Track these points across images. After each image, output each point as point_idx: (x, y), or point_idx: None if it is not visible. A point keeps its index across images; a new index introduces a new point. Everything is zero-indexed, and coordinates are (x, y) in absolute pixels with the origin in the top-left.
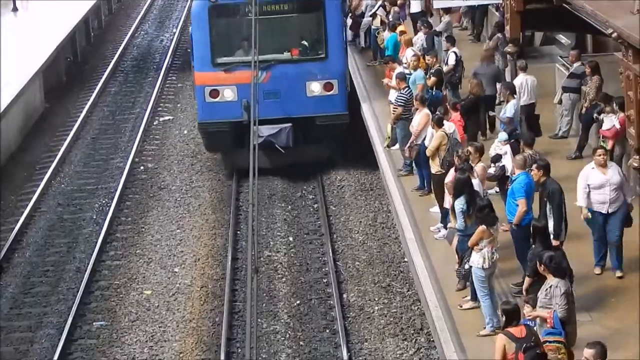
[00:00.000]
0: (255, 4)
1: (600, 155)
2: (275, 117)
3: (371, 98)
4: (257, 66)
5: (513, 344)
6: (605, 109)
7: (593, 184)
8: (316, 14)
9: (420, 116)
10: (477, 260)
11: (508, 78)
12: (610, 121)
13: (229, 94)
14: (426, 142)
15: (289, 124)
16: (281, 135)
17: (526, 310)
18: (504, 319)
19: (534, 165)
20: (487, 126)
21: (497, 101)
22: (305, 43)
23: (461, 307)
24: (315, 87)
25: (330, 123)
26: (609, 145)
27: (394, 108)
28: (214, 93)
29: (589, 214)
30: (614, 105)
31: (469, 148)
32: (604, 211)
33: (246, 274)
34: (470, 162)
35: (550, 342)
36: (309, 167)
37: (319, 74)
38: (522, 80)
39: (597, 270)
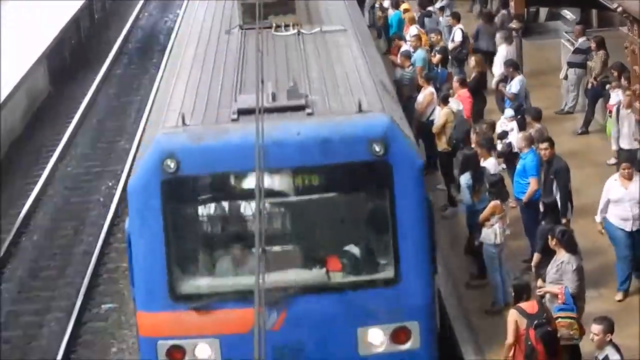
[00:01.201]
0: (259, 171)
1: (625, 168)
2: None
3: None
4: (261, 302)
5: (524, 319)
6: (611, 83)
7: (612, 198)
8: (376, 190)
9: (425, 94)
10: (488, 236)
11: (512, 56)
12: (617, 95)
13: (204, 353)
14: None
15: None
16: None
17: (538, 284)
18: (513, 294)
19: (546, 143)
20: None
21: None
22: (354, 250)
23: (469, 284)
24: (375, 337)
25: None
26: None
27: (399, 87)
28: (176, 353)
29: (603, 230)
30: (622, 79)
31: (482, 126)
32: (627, 229)
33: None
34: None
35: (562, 318)
36: None
37: (384, 313)
38: (505, 52)
39: (619, 297)
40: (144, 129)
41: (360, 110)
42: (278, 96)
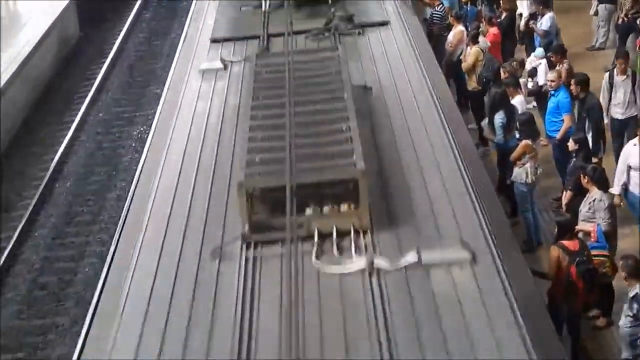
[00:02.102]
0: None
1: None
2: None
3: None
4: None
5: (566, 256)
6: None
7: (634, 164)
8: None
9: (455, 32)
10: (519, 175)
11: None
12: None
13: None
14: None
15: None
16: None
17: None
18: (556, 231)
19: (573, 80)
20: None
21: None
22: None
23: None
24: None
25: None
26: None
27: (429, 26)
28: None
29: (622, 201)
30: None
31: (514, 63)
32: None
33: None
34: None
35: (594, 256)
36: None
37: None
38: None
39: None
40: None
41: None
42: None
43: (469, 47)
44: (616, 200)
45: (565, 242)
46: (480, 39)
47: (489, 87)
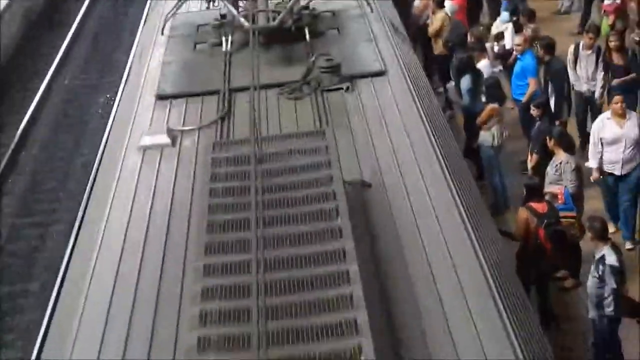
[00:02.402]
0: None
1: (617, 102)
2: None
3: None
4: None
5: (534, 218)
6: None
7: (606, 138)
8: None
9: None
10: (486, 138)
11: None
12: None
13: None
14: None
15: None
16: None
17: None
18: (524, 193)
19: (537, 44)
20: None
21: None
22: None
23: None
24: None
25: None
26: (610, 20)
27: None
28: None
29: (600, 176)
30: None
31: (480, 27)
32: (617, 173)
33: None
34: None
35: (562, 218)
36: None
37: None
38: None
39: (612, 229)
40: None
41: None
42: None
43: (434, 13)
44: (594, 174)
45: (533, 204)
46: (447, 3)
47: (455, 51)
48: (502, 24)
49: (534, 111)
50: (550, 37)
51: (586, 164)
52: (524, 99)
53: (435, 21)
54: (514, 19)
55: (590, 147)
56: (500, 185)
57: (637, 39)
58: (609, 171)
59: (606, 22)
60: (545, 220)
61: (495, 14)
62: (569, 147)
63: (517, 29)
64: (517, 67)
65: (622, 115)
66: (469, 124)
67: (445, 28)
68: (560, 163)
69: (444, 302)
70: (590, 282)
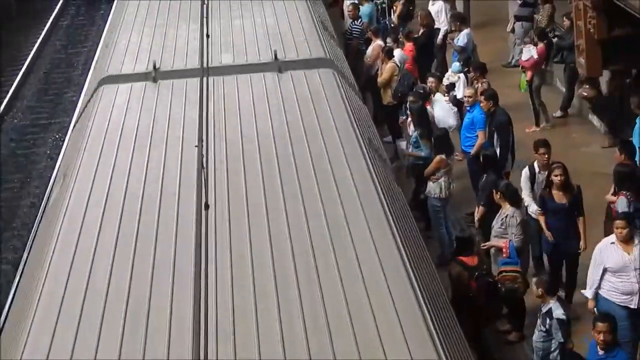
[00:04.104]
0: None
1: (619, 227)
2: None
3: None
4: None
5: (465, 272)
6: (524, 39)
7: (611, 267)
8: None
9: (374, 47)
10: (433, 189)
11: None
12: (529, 52)
13: None
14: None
15: None
16: None
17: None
18: (455, 247)
19: (482, 96)
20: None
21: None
22: None
23: None
24: None
25: None
26: (527, 75)
27: (348, 40)
28: None
29: (595, 309)
30: (533, 36)
31: (431, 78)
32: (632, 306)
33: None
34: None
35: (506, 272)
36: None
37: None
38: (439, 7)
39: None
40: None
41: None
42: None
43: (384, 63)
44: (590, 305)
45: (463, 258)
46: (397, 52)
47: (405, 101)
48: (454, 74)
49: (483, 160)
50: (492, 89)
51: (582, 291)
52: (472, 150)
53: (385, 71)
54: (466, 69)
55: (590, 274)
56: (447, 236)
57: (585, 94)
58: (622, 304)
59: (524, 79)
60: (477, 273)
61: (445, 65)
62: (515, 201)
63: (469, 81)
64: (466, 119)
65: (628, 241)
66: (416, 173)
67: (394, 78)
68: (507, 216)
69: None
70: (537, 335)
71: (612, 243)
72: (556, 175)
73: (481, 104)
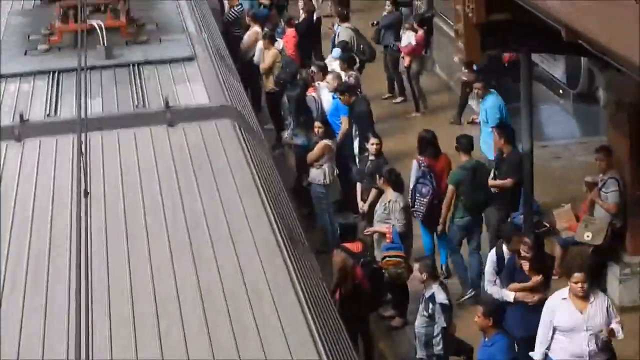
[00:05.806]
0: None
1: (578, 281)
2: None
3: None
4: None
5: (350, 258)
6: (404, 25)
7: (561, 326)
8: None
9: (250, 33)
10: (317, 176)
11: None
12: (408, 38)
13: None
14: (255, 59)
15: None
16: None
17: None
18: (338, 233)
19: (337, 92)
20: None
21: None
22: None
23: None
24: None
25: None
26: (406, 61)
27: (226, 25)
28: None
29: None
30: (414, 22)
31: (313, 68)
32: None
33: None
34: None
35: (390, 257)
36: None
37: None
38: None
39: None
40: None
41: None
42: None
43: (266, 49)
44: None
45: (347, 245)
46: (278, 40)
47: (287, 88)
48: (333, 60)
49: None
50: (347, 82)
51: (530, 353)
52: (338, 137)
53: (267, 58)
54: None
55: (539, 333)
56: (330, 223)
57: (465, 78)
58: None
59: (402, 64)
60: (362, 259)
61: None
62: (397, 186)
63: (343, 67)
64: (332, 105)
65: (584, 298)
66: (300, 160)
67: (276, 65)
68: (390, 202)
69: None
70: (419, 321)
71: (564, 299)
72: (523, 252)
73: (338, 97)
